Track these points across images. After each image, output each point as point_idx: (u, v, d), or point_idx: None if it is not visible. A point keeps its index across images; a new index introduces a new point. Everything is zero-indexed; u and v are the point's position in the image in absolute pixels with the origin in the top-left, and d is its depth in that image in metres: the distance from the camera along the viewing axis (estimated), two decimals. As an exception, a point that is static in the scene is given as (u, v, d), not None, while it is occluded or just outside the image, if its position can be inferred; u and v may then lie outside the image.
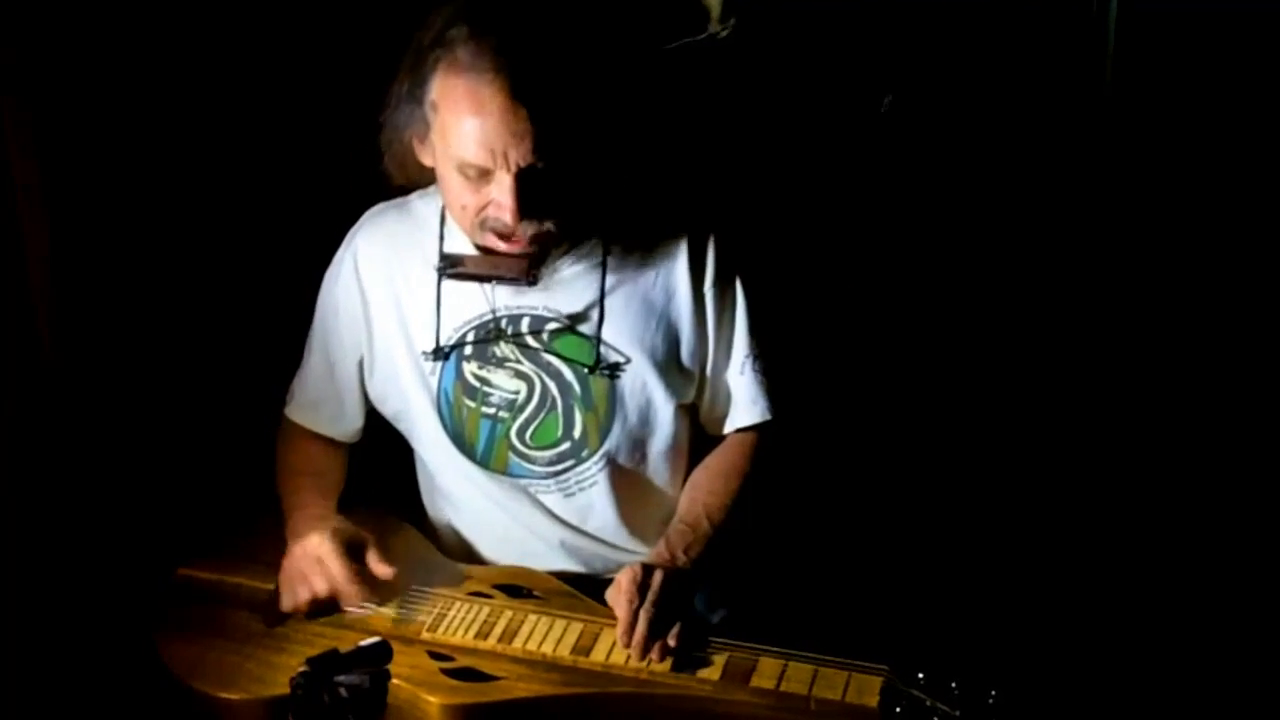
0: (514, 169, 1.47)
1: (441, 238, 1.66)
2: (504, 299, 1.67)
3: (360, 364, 1.78)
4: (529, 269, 1.58)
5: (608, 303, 1.66)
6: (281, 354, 1.93)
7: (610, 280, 1.66)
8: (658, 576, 1.54)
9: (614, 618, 1.56)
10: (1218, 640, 2.38)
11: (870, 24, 2.54)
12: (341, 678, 1.28)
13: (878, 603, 2.34)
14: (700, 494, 1.73)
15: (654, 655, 1.49)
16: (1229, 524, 2.59)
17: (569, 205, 1.57)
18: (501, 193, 1.50)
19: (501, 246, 1.56)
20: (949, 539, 2.57)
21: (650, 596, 1.51)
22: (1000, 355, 2.75)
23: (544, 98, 1.46)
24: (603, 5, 1.77)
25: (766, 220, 2.36)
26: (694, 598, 1.61)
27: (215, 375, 2.25)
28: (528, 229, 1.53)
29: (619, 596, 1.53)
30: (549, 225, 1.55)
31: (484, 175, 1.50)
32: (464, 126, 1.47)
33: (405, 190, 1.73)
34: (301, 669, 1.27)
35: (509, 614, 1.60)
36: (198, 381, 2.23)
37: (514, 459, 1.72)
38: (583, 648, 1.53)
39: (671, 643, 1.50)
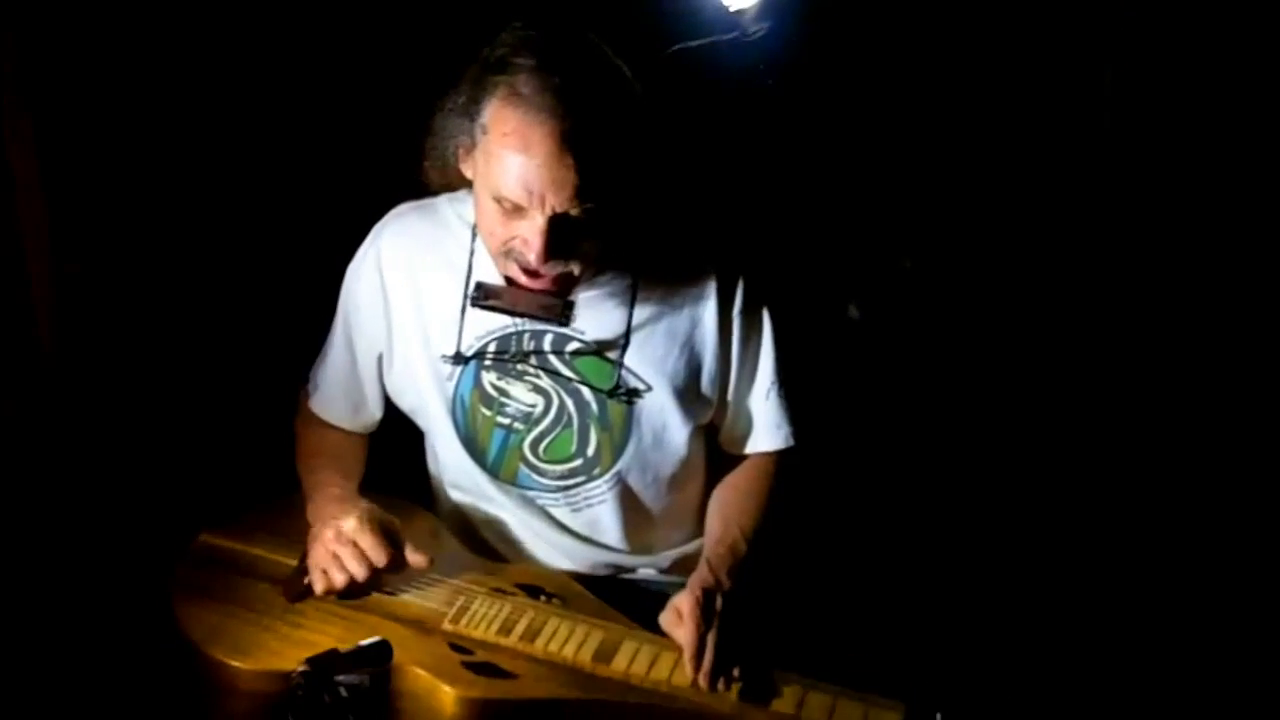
0: (549, 213, 1.45)
1: (472, 251, 1.64)
2: (535, 320, 1.65)
3: (379, 359, 1.77)
4: (563, 310, 1.55)
5: (634, 330, 1.64)
6: (292, 332, 1.95)
7: (638, 307, 1.64)
8: (719, 601, 1.53)
9: (636, 628, 1.57)
10: (1229, 682, 2.37)
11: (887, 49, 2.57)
12: (341, 678, 1.28)
13: (898, 633, 2.34)
14: (733, 514, 1.73)
15: (720, 684, 1.48)
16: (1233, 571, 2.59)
17: (596, 248, 1.54)
18: (532, 233, 1.46)
19: (523, 280, 1.53)
20: (976, 575, 2.56)
21: (716, 621, 1.50)
22: (1013, 378, 2.77)
23: (593, 149, 1.43)
24: (659, 61, 1.76)
25: (786, 246, 2.38)
26: (748, 622, 1.58)
27: (226, 359, 2.26)
28: (553, 269, 1.51)
29: (684, 623, 1.50)
30: (574, 266, 1.53)
31: (518, 210, 1.47)
32: (508, 160, 1.44)
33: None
34: (301, 669, 1.27)
35: (531, 613, 1.59)
36: (209, 362, 2.24)
37: (524, 470, 1.72)
38: (604, 655, 1.52)
39: (735, 672, 1.48)
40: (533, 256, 1.48)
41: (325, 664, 1.29)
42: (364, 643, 1.33)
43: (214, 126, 2.24)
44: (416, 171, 1.65)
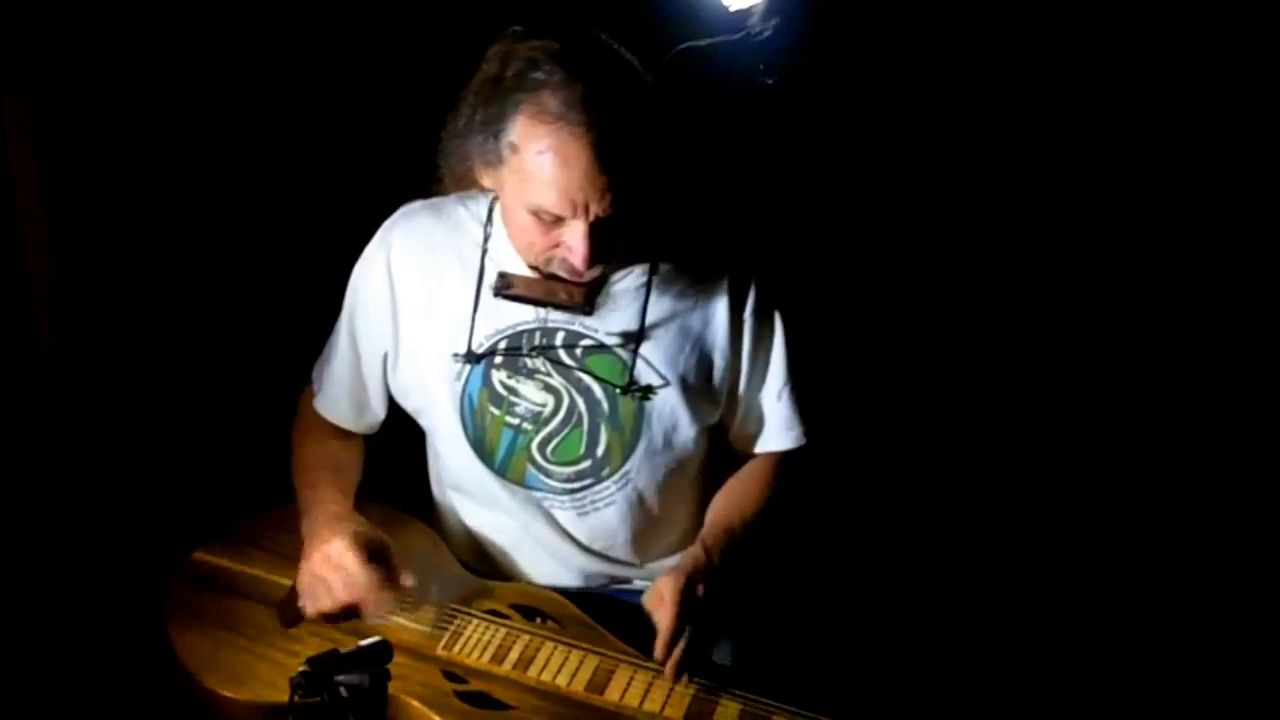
0: (591, 219, 1.47)
1: (484, 251, 1.64)
2: (542, 311, 1.65)
3: (384, 358, 1.76)
4: (586, 298, 1.57)
5: (647, 326, 1.64)
6: (289, 337, 1.94)
7: (652, 304, 1.64)
8: (701, 589, 1.55)
9: (629, 654, 1.57)
10: (1229, 682, 2.37)
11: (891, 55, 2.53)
12: (341, 677, 1.28)
13: (886, 648, 2.33)
14: (735, 500, 1.75)
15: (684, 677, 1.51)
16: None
17: (632, 242, 1.57)
18: (576, 240, 1.49)
19: (567, 277, 1.56)
20: (981, 584, 2.56)
21: (694, 612, 1.52)
22: (1020, 379, 2.75)
23: (626, 152, 1.44)
24: (667, 60, 1.75)
25: (798, 244, 2.36)
26: (727, 607, 1.61)
27: (224, 361, 2.25)
28: (595, 269, 1.53)
29: (661, 605, 1.53)
30: (613, 262, 1.57)
31: (557, 220, 1.49)
32: (545, 176, 1.45)
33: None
34: (301, 669, 1.27)
35: (525, 639, 1.59)
36: (206, 368, 2.23)
37: (532, 471, 1.71)
38: (597, 685, 1.52)
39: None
40: (579, 261, 1.50)
41: (325, 664, 1.29)
42: (364, 642, 1.33)
43: (216, 125, 2.22)
44: (432, 184, 1.64)
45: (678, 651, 1.50)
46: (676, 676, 1.50)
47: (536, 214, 1.49)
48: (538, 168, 1.45)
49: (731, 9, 2.18)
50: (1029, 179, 2.71)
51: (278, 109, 2.28)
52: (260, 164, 2.28)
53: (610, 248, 1.52)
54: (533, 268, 1.58)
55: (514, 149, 1.47)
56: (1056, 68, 2.62)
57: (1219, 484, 2.67)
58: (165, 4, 2.08)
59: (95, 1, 1.98)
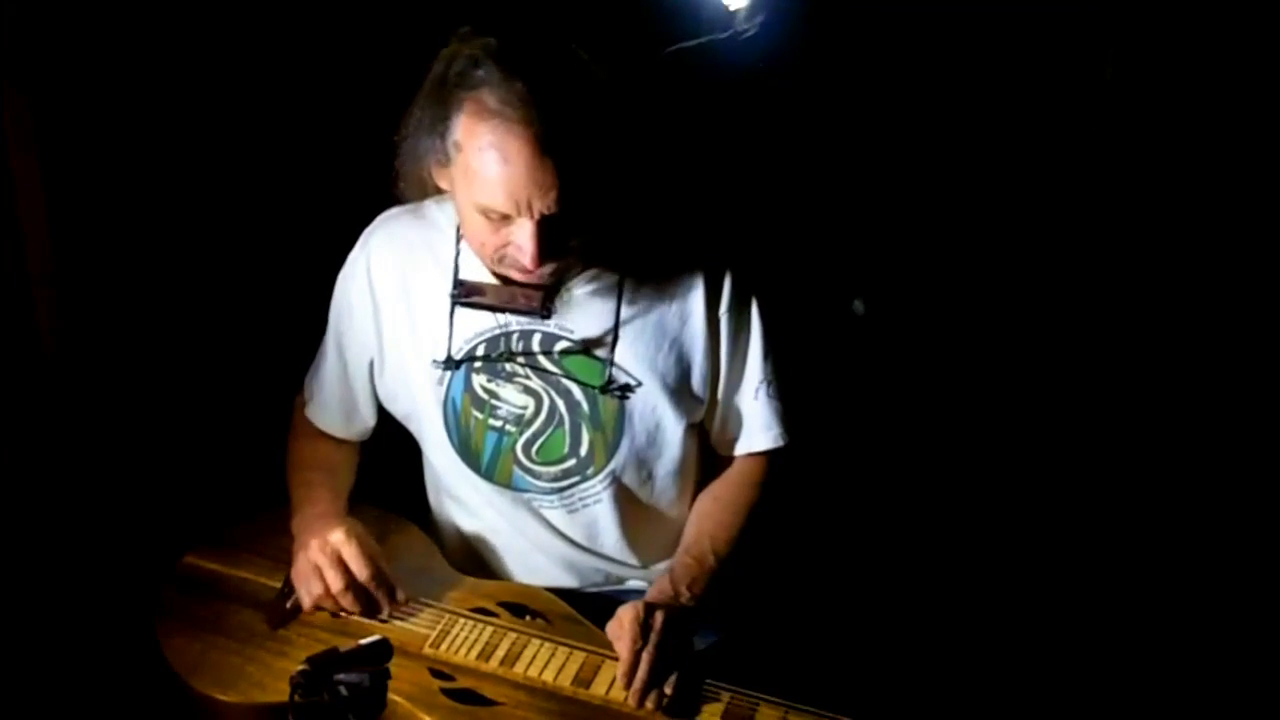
0: (537, 217, 1.45)
1: (457, 253, 1.64)
2: (502, 317, 1.65)
3: (370, 365, 1.77)
4: (544, 302, 1.55)
5: (622, 326, 1.64)
6: (284, 344, 1.95)
7: (626, 304, 1.64)
8: (659, 617, 1.52)
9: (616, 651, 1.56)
10: (1229, 682, 2.36)
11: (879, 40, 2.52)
12: (341, 676, 1.28)
13: (870, 641, 2.33)
14: (708, 525, 1.72)
15: (649, 703, 1.48)
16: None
17: (587, 242, 1.55)
18: (523, 238, 1.47)
19: (519, 278, 1.54)
20: (977, 583, 2.54)
21: (653, 638, 1.50)
22: (1018, 375, 2.74)
23: (570, 148, 1.43)
24: (625, 47, 1.75)
25: (781, 243, 2.36)
26: (695, 637, 1.59)
27: (218, 367, 2.26)
28: (546, 267, 1.52)
29: (621, 634, 1.51)
30: (567, 260, 1.54)
31: (505, 219, 1.47)
32: (488, 173, 1.44)
33: None
34: (301, 668, 1.27)
35: (512, 636, 1.59)
36: (200, 373, 2.24)
37: (518, 472, 1.71)
38: (583, 680, 1.52)
39: (668, 691, 1.49)
40: (528, 261, 1.49)
41: (325, 663, 1.29)
42: (364, 641, 1.33)
43: (215, 126, 2.23)
44: (392, 189, 1.64)
45: (638, 680, 1.48)
46: (640, 704, 1.48)
47: (484, 213, 1.48)
48: (480, 166, 1.44)
49: (731, 7, 2.18)
50: (1009, 172, 2.71)
51: (278, 111, 2.29)
52: (260, 166, 2.29)
53: (562, 245, 1.51)
54: (496, 275, 1.58)
55: (458, 147, 1.47)
56: (1041, 65, 2.61)
57: (1215, 481, 2.66)
58: (165, 3, 2.09)
59: (97, 4, 1.99)
